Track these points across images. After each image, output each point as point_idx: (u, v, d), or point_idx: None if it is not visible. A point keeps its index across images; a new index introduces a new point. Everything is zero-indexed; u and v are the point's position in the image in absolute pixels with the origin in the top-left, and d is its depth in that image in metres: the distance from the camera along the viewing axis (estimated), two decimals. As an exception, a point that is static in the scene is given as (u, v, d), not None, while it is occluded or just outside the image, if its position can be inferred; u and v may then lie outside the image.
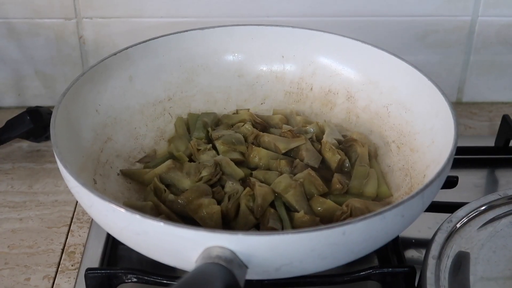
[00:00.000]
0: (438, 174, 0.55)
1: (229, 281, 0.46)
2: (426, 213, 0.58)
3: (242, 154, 0.70)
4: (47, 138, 0.83)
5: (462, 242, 0.59)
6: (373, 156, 0.72)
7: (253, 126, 0.73)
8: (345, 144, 0.72)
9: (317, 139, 0.72)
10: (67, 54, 0.90)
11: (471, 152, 0.82)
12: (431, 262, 0.56)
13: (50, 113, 0.72)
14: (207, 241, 0.48)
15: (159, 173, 0.67)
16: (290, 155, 0.71)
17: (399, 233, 0.59)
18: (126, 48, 0.73)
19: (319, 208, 0.64)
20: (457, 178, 0.72)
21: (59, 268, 0.67)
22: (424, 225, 0.71)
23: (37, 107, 0.83)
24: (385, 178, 0.70)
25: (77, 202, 0.74)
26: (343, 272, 0.61)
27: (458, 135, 0.60)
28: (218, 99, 0.79)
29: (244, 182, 0.67)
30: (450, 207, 0.66)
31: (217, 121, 0.76)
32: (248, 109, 0.78)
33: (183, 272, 0.53)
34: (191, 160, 0.70)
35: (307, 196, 0.65)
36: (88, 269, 0.60)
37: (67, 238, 0.71)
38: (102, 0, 0.86)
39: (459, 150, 0.62)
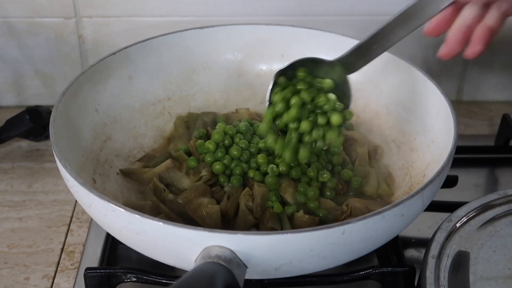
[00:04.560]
0: (438, 174, 0.55)
1: (229, 281, 0.46)
2: (426, 212, 0.58)
3: None
4: (47, 137, 0.83)
5: (462, 241, 0.59)
6: (372, 155, 0.72)
7: None
8: (345, 144, 0.72)
9: None
10: (67, 53, 0.90)
11: (471, 151, 0.82)
12: (431, 262, 0.56)
13: (49, 112, 0.72)
14: (206, 241, 0.48)
15: (158, 173, 0.67)
16: None
17: (399, 233, 0.59)
18: (126, 47, 0.73)
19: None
20: (457, 177, 0.72)
21: (58, 268, 0.67)
22: (424, 225, 0.71)
23: (37, 106, 0.83)
24: (385, 177, 0.69)
25: (76, 201, 0.74)
26: (343, 271, 0.61)
27: (458, 134, 0.60)
28: (217, 99, 0.79)
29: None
30: (450, 207, 0.66)
31: (217, 120, 0.76)
32: (248, 108, 0.78)
33: (182, 271, 0.53)
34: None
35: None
36: (87, 269, 0.60)
37: (66, 237, 0.71)
38: (101, -1, 0.86)
39: (459, 150, 0.62)
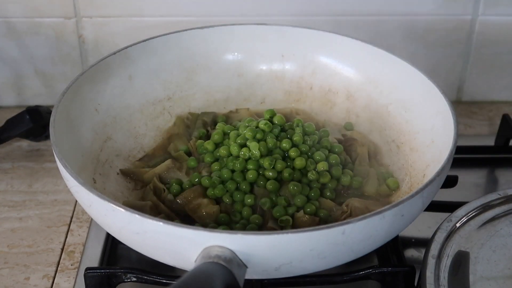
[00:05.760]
0: (438, 174, 0.55)
1: (229, 281, 0.46)
2: (425, 212, 0.58)
3: None
4: (47, 137, 0.83)
5: (462, 241, 0.59)
6: (372, 155, 0.72)
7: None
8: (345, 144, 0.72)
9: None
10: (67, 53, 0.90)
11: (471, 151, 0.82)
12: (431, 262, 0.56)
13: (49, 112, 0.72)
14: (206, 241, 0.48)
15: (158, 173, 0.67)
16: None
17: (399, 233, 0.59)
18: (126, 47, 0.73)
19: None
20: (456, 177, 0.72)
21: (58, 268, 0.67)
22: (424, 225, 0.71)
23: (37, 106, 0.83)
24: (385, 177, 0.69)
25: (76, 201, 0.74)
26: (343, 271, 0.61)
27: (458, 134, 0.60)
28: (217, 99, 0.79)
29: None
30: (449, 207, 0.66)
31: (217, 120, 0.76)
32: (248, 108, 0.78)
33: (182, 271, 0.53)
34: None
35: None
36: (87, 269, 0.60)
37: (66, 237, 0.71)
38: (101, -1, 0.86)
39: (459, 150, 0.62)
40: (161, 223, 0.48)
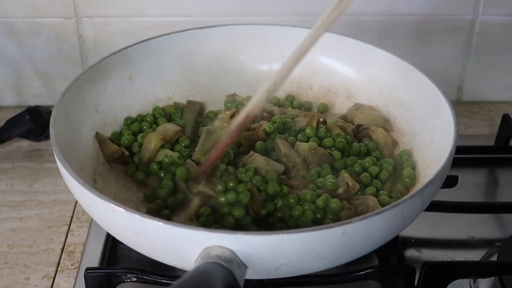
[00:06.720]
0: (438, 174, 0.55)
1: (229, 281, 0.46)
2: (426, 212, 0.58)
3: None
4: (47, 137, 0.83)
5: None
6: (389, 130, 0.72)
7: None
8: (359, 135, 0.71)
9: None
10: (67, 53, 0.90)
11: (471, 151, 0.82)
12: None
13: (49, 113, 0.72)
14: (206, 241, 0.48)
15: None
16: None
17: (399, 233, 0.59)
18: (126, 48, 0.73)
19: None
20: (457, 177, 0.71)
21: (58, 268, 0.67)
22: (424, 225, 0.71)
23: (37, 106, 0.83)
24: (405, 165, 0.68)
25: (76, 201, 0.74)
26: (343, 271, 0.61)
27: (458, 134, 0.60)
28: (217, 99, 0.79)
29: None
30: (450, 207, 0.66)
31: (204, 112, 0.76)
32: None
33: (182, 271, 0.53)
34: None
35: None
36: (87, 269, 0.60)
37: (66, 237, 0.71)
38: (102, -1, 0.86)
39: (459, 150, 0.62)
40: (161, 223, 0.48)
